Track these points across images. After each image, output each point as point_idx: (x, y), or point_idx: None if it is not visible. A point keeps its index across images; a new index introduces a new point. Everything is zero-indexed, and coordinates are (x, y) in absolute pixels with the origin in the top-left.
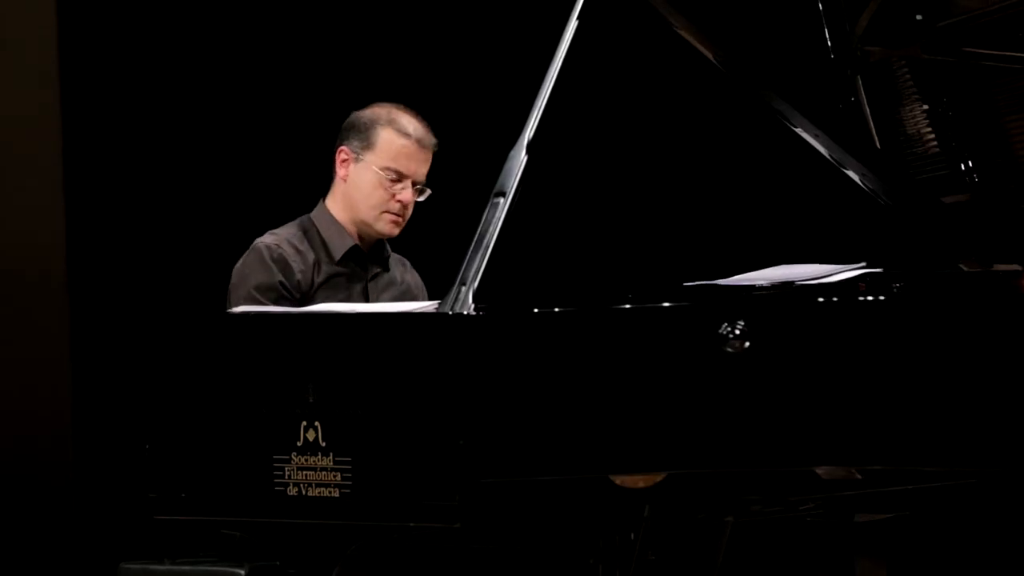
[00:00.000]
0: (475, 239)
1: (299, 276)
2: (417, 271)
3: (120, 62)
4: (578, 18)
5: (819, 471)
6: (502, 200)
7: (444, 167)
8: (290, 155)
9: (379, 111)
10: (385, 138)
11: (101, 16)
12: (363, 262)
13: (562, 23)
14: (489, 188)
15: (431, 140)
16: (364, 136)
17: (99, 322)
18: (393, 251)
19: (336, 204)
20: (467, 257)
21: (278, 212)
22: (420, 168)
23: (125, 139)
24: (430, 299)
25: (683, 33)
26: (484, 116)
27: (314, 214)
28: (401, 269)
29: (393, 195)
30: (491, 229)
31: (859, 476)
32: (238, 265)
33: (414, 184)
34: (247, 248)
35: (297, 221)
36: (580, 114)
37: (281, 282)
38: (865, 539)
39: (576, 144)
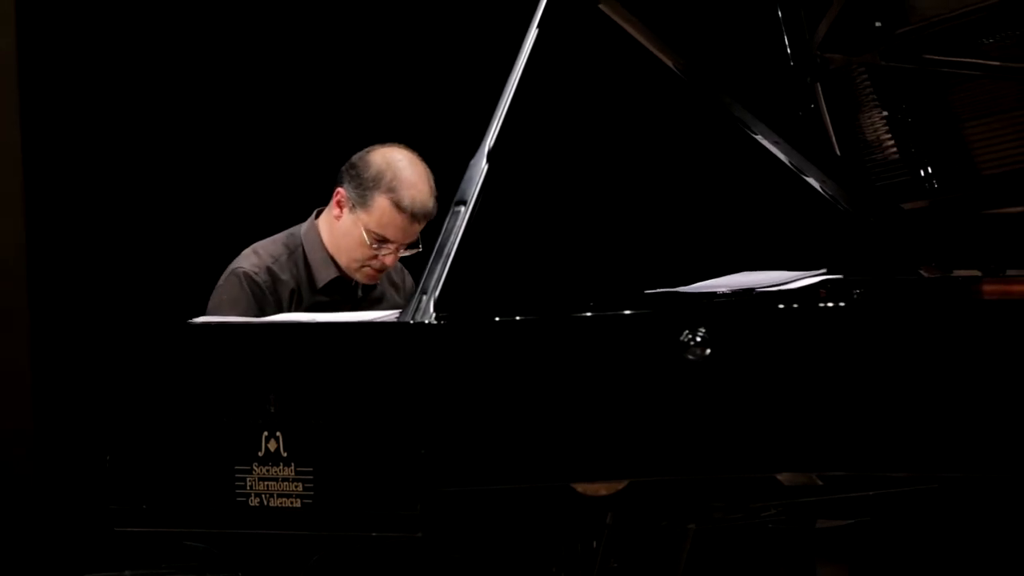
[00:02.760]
0: (436, 248)
1: (272, 308)
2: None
3: (80, 60)
4: (538, 26)
5: (780, 477)
6: (463, 209)
7: None
8: (259, 159)
9: (385, 170)
10: (381, 205)
11: (61, 10)
12: (347, 291)
13: (522, 32)
14: (450, 197)
15: (428, 211)
16: (363, 192)
17: (60, 332)
18: None
19: (325, 231)
20: (428, 266)
21: (245, 217)
22: (411, 236)
23: (86, 144)
24: None
25: (644, 41)
26: (445, 125)
27: (304, 232)
28: (398, 283)
29: (376, 255)
30: (452, 238)
31: (820, 482)
32: (216, 289)
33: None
34: (214, 254)
35: (285, 236)
36: (541, 122)
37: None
38: (826, 545)
39: (537, 152)
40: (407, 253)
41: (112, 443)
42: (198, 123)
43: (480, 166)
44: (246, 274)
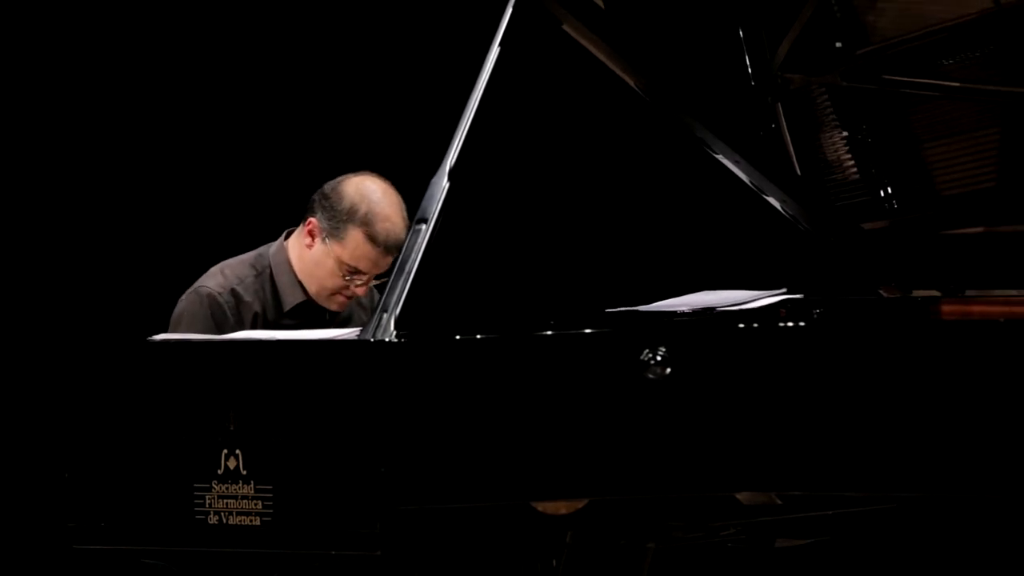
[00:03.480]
0: (397, 266)
1: (233, 330)
2: None
3: (38, 72)
4: (500, 44)
5: (740, 496)
6: (424, 227)
7: None
8: (228, 175)
9: (359, 203)
10: (355, 238)
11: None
12: (314, 315)
13: (484, 50)
14: (411, 215)
15: (401, 242)
16: (336, 224)
17: (16, 347)
18: None
19: (295, 256)
20: (389, 284)
21: (211, 234)
22: (383, 267)
23: (43, 156)
24: None
25: (606, 61)
26: (406, 143)
27: (273, 253)
28: (365, 304)
29: (347, 285)
30: (413, 256)
31: (779, 501)
32: (178, 307)
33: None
34: (178, 270)
35: (253, 256)
36: (502, 141)
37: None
38: (785, 563)
39: (498, 171)
40: (378, 283)
41: (71, 460)
42: (164, 135)
43: (441, 184)
44: (209, 294)
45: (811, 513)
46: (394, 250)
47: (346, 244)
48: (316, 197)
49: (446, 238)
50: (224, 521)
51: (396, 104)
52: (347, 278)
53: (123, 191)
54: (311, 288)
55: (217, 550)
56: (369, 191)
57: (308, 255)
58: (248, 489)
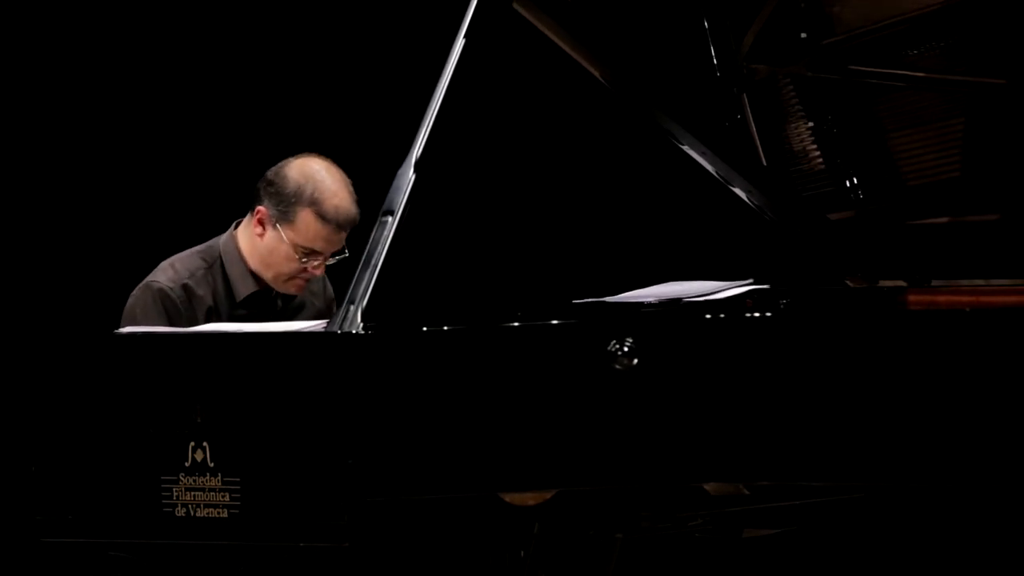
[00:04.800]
0: (363, 258)
1: (186, 324)
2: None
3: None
4: (465, 36)
5: (707, 487)
6: (390, 218)
7: None
8: (177, 167)
9: (305, 184)
10: (305, 220)
11: None
12: (266, 304)
13: (449, 41)
14: (377, 207)
15: (353, 217)
16: (284, 208)
17: None
18: None
19: (246, 245)
20: (355, 276)
21: (162, 227)
22: (337, 245)
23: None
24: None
25: (572, 53)
26: (372, 135)
27: (223, 244)
28: (317, 291)
29: (304, 268)
30: (379, 248)
31: (747, 492)
32: (129, 301)
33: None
34: (131, 265)
35: (203, 249)
36: (468, 132)
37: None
38: (753, 554)
39: (464, 162)
40: (333, 261)
41: (38, 453)
42: (115, 130)
43: (407, 175)
44: (160, 289)
45: (779, 503)
46: (346, 225)
47: (298, 227)
48: (261, 185)
49: (412, 230)
50: (192, 513)
51: (361, 95)
52: (303, 260)
53: (73, 184)
54: (268, 275)
55: (185, 542)
56: (313, 171)
57: (261, 244)
58: (215, 481)
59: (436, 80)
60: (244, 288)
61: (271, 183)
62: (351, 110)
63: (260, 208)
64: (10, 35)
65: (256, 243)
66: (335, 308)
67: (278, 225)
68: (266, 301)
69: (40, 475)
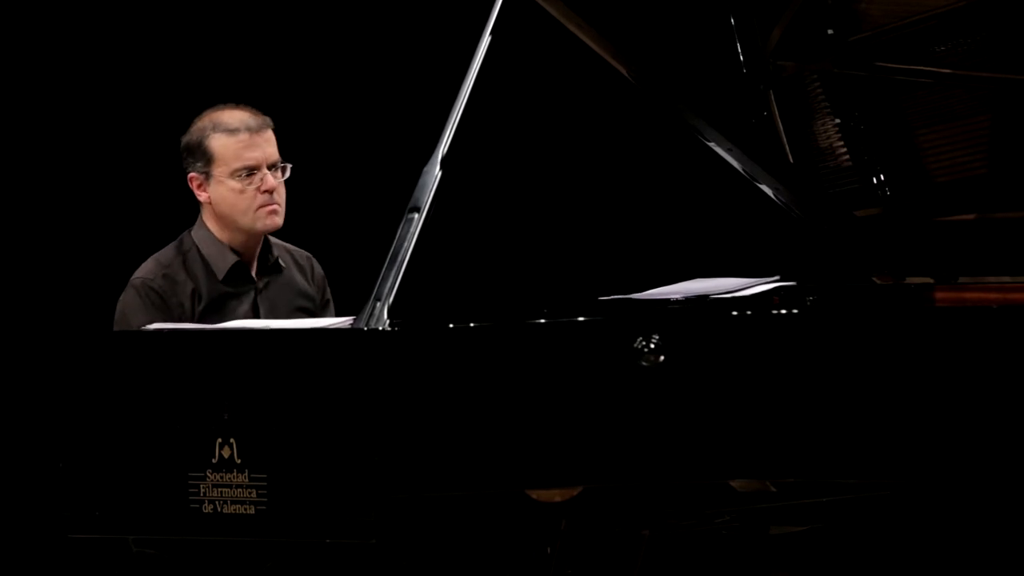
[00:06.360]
0: (390, 255)
1: (176, 311)
2: (331, 287)
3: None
4: (491, 33)
5: (734, 484)
6: (416, 215)
7: (360, 183)
8: (169, 169)
9: (201, 123)
10: (218, 144)
11: None
12: (248, 278)
13: (475, 38)
14: (403, 204)
15: (262, 121)
16: (200, 154)
17: (10, 339)
18: (303, 248)
19: (211, 223)
20: (382, 273)
21: (169, 221)
22: (266, 151)
23: (12, 142)
24: (339, 307)
25: (597, 49)
26: (398, 132)
27: (194, 231)
28: (304, 267)
29: (257, 189)
30: (406, 245)
31: (774, 489)
32: (119, 303)
33: (270, 167)
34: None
35: (176, 242)
36: (495, 129)
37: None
38: (779, 552)
39: (491, 159)
40: (284, 176)
41: (65, 450)
42: (115, 130)
43: (434, 173)
44: (142, 282)
45: (805, 500)
46: (256, 128)
47: (218, 158)
48: (181, 157)
49: (439, 227)
50: (219, 510)
51: (388, 93)
52: (248, 184)
53: (73, 184)
54: (243, 223)
55: (212, 539)
56: (203, 113)
57: (213, 207)
58: (242, 478)
59: (462, 77)
60: (223, 263)
61: (183, 147)
62: (377, 108)
63: (190, 175)
64: (9, 35)
65: (210, 210)
66: (326, 289)
67: (211, 174)
68: (244, 273)
69: (67, 471)
